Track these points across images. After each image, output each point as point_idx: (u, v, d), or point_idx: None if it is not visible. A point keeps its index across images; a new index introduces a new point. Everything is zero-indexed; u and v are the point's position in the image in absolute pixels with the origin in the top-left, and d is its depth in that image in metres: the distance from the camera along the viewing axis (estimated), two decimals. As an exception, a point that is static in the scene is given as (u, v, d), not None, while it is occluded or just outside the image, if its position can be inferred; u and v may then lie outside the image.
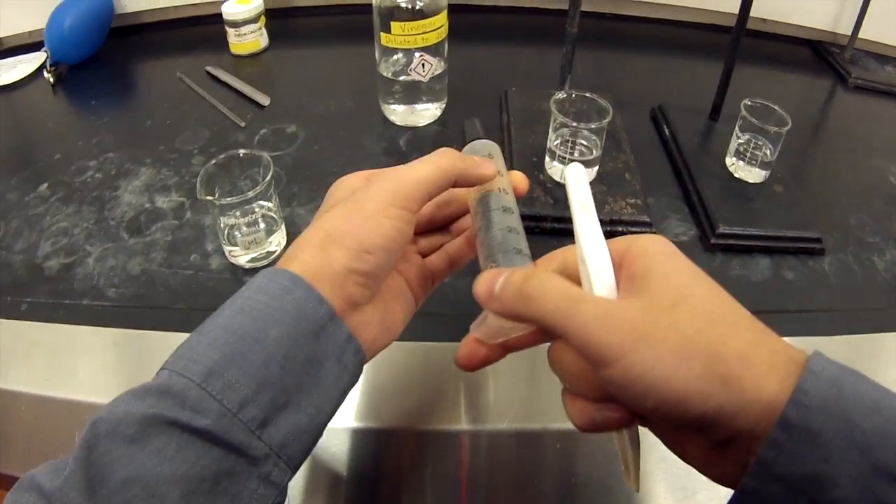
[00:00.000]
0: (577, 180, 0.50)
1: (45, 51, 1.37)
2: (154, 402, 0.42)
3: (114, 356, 0.80)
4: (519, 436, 0.70)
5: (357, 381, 0.50)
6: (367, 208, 0.49)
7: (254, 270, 0.88)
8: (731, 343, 0.38)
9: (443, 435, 0.70)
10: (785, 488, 0.35)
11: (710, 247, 0.86)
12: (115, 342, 0.81)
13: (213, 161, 0.85)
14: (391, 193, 0.49)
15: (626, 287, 0.44)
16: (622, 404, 0.42)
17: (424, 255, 0.60)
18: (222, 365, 0.43)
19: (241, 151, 0.87)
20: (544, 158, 0.96)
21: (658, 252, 0.44)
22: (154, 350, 0.80)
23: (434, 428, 0.70)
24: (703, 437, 0.39)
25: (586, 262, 0.45)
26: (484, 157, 0.56)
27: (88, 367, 0.79)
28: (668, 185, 0.96)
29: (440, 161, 0.52)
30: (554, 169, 0.94)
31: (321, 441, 0.48)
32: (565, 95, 0.93)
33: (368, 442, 0.71)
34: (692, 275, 0.42)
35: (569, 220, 0.73)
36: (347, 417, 0.70)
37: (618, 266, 0.45)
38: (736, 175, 0.94)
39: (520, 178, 0.57)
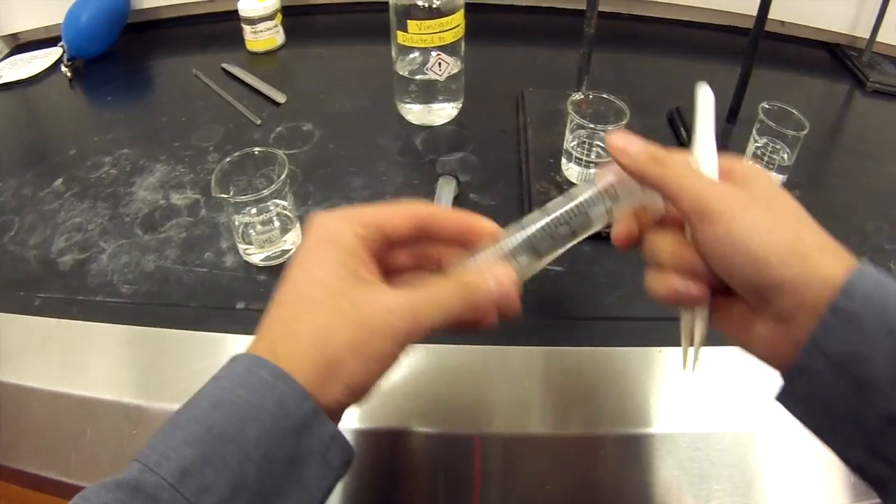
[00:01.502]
0: (707, 100, 0.55)
1: (62, 46, 1.37)
2: (124, 498, 0.40)
3: (127, 353, 0.80)
4: (532, 440, 0.69)
5: (342, 477, 0.47)
6: (374, 346, 0.45)
7: (268, 269, 0.87)
8: (810, 235, 0.46)
9: (456, 438, 0.69)
10: (830, 364, 0.42)
11: None
12: (129, 339, 0.81)
13: (228, 158, 0.84)
14: (403, 335, 0.46)
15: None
16: (707, 274, 0.48)
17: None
18: (197, 465, 0.41)
19: (257, 149, 0.86)
20: (561, 159, 0.95)
21: (756, 170, 0.51)
22: (167, 348, 0.80)
23: (448, 431, 0.70)
24: (773, 308, 0.45)
25: (699, 161, 0.52)
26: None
27: (102, 364, 0.79)
28: None
29: (455, 310, 0.48)
30: (570, 170, 0.93)
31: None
32: (582, 96, 0.93)
33: (381, 443, 0.70)
34: (782, 189, 0.49)
35: None
36: (359, 419, 0.70)
37: (723, 173, 0.52)
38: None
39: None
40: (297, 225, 0.90)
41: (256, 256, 0.88)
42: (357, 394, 0.46)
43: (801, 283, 0.43)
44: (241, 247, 0.88)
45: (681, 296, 0.50)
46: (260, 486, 0.42)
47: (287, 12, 1.36)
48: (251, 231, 0.86)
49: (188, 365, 0.77)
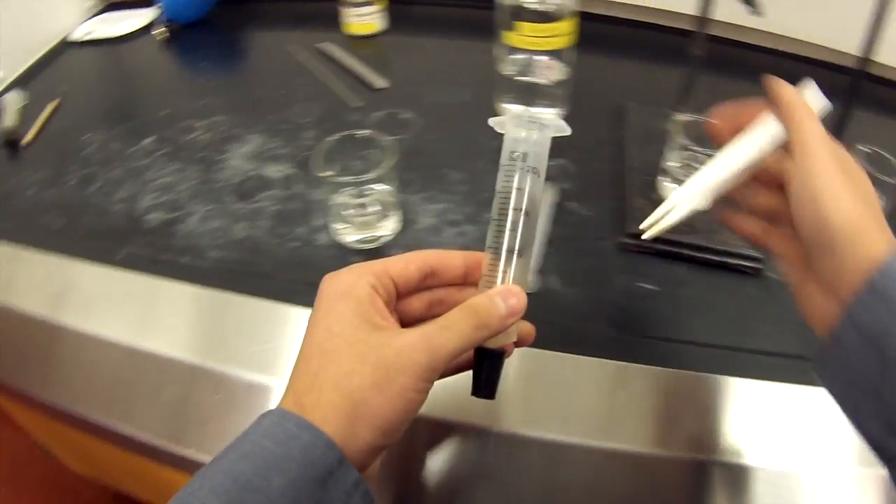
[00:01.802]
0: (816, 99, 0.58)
1: (159, 7, 1.36)
2: None
3: (210, 317, 0.78)
4: (609, 454, 0.67)
5: None
6: (398, 382, 0.46)
7: (361, 251, 0.85)
8: (872, 215, 0.49)
9: (528, 442, 0.68)
10: (862, 338, 0.45)
11: None
12: (214, 303, 0.79)
13: (335, 137, 0.82)
14: (423, 368, 0.47)
15: None
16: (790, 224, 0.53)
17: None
18: None
19: (362, 132, 0.84)
20: (656, 178, 0.93)
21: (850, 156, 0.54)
22: (251, 317, 0.78)
23: (521, 433, 0.68)
24: (820, 268, 0.50)
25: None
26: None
27: (183, 325, 0.77)
28: None
29: (469, 333, 0.49)
30: (668, 190, 0.90)
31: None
32: (688, 118, 0.90)
33: (454, 438, 0.69)
34: (867, 177, 0.54)
35: (678, 243, 0.83)
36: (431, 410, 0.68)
37: None
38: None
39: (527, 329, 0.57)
40: (399, 212, 0.88)
41: (350, 237, 0.85)
42: (388, 433, 0.47)
43: (848, 251, 0.47)
44: (337, 226, 0.86)
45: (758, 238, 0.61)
46: None
47: (391, -1, 1.35)
48: (347, 212, 0.84)
49: (275, 337, 0.75)
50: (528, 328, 0.56)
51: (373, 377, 0.46)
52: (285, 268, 0.84)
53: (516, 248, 0.53)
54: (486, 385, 0.53)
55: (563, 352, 0.73)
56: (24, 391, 0.81)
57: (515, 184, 0.53)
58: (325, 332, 0.49)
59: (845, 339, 0.47)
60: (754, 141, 0.59)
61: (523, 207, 0.53)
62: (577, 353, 0.72)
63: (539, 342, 0.71)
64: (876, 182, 0.83)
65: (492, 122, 0.56)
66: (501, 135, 0.55)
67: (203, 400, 0.73)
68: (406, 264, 0.54)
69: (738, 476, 0.65)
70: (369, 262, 0.53)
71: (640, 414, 0.68)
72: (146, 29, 1.39)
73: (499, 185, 0.54)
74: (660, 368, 0.71)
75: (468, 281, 0.56)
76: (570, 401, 0.69)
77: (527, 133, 0.53)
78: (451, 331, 0.48)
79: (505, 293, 0.51)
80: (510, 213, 0.53)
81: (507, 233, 0.53)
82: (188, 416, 0.73)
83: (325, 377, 0.47)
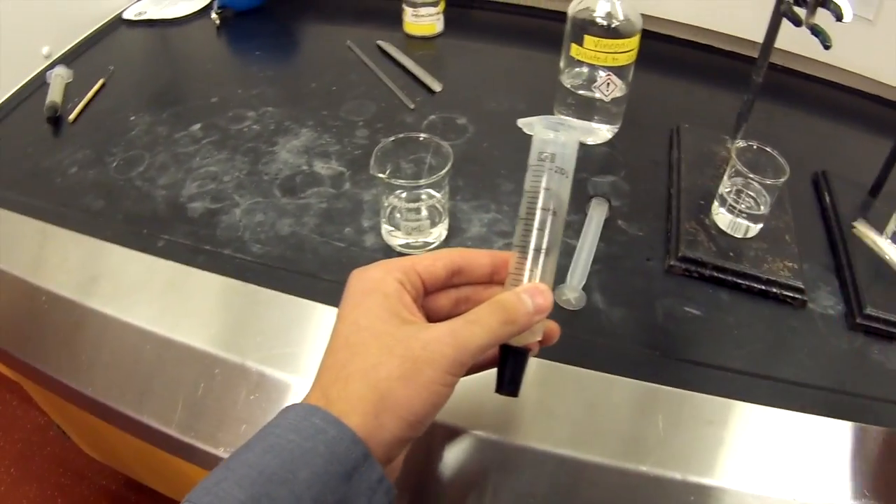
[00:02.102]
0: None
1: (215, -8, 1.35)
2: None
3: (252, 314, 0.76)
4: (655, 481, 0.65)
5: None
6: (425, 374, 0.47)
7: (406, 255, 0.83)
8: None
9: (563, 460, 0.66)
10: None
11: (855, 326, 0.80)
12: (257, 300, 0.77)
13: (392, 138, 0.80)
14: (450, 361, 0.48)
15: None
16: None
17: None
18: None
19: (421, 135, 0.82)
20: (711, 203, 0.91)
21: None
22: (294, 315, 0.76)
23: (554, 451, 0.66)
24: None
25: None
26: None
27: (223, 320, 0.76)
28: (822, 254, 0.90)
29: (496, 328, 0.50)
30: (720, 216, 0.88)
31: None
32: (745, 144, 0.88)
33: (483, 451, 0.67)
34: None
35: (725, 269, 0.83)
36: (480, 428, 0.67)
37: None
38: (885, 258, 0.87)
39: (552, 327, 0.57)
40: (446, 220, 0.86)
41: (399, 241, 0.83)
42: (413, 425, 0.47)
43: None
44: (386, 228, 0.84)
45: None
46: None
47: (450, 2, 1.32)
48: (398, 215, 0.82)
49: (315, 339, 0.73)
50: (552, 327, 0.57)
51: (400, 369, 0.47)
52: (329, 268, 0.82)
53: (544, 247, 0.53)
54: (510, 383, 0.54)
55: (607, 372, 0.72)
56: (45, 371, 0.79)
57: (543, 184, 0.54)
58: (353, 326, 0.50)
59: None
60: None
61: (551, 207, 0.54)
62: (616, 374, 0.72)
63: (583, 360, 0.72)
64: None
65: (520, 122, 0.57)
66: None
67: (244, 401, 0.71)
68: (433, 261, 0.54)
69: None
70: (397, 258, 0.54)
71: (686, 440, 0.67)
72: (200, 13, 1.38)
73: (527, 185, 0.55)
74: (704, 395, 0.71)
75: (495, 280, 0.57)
76: (603, 420, 0.68)
77: (555, 135, 0.54)
78: (478, 325, 0.49)
79: (532, 291, 0.52)
80: (538, 212, 0.54)
81: (535, 231, 0.53)
82: (235, 416, 0.70)
83: (352, 369, 0.48)
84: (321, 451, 0.44)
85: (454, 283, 0.57)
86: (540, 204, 0.54)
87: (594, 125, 1.04)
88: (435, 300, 0.56)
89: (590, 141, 1.05)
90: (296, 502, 0.42)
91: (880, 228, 0.90)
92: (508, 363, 0.53)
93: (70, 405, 0.87)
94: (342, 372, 0.48)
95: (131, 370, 0.75)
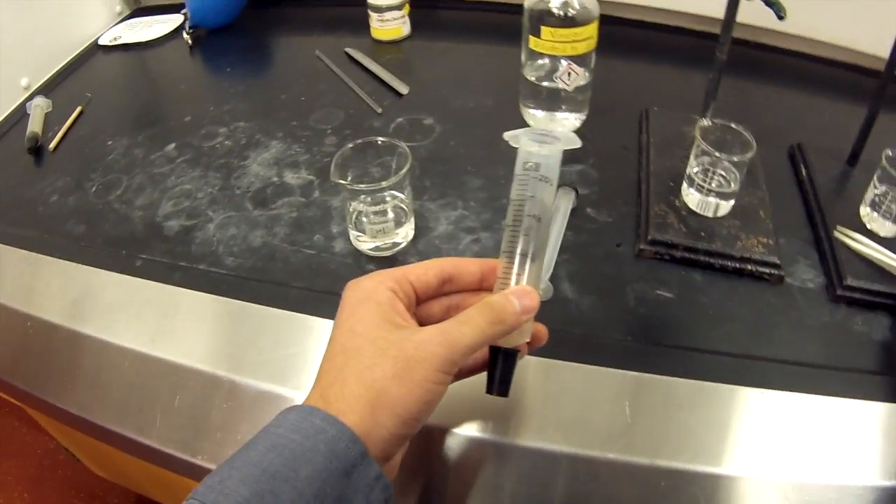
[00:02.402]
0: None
1: (185, 13, 1.37)
2: None
3: (225, 326, 0.78)
4: (623, 467, 0.65)
5: None
6: (417, 373, 0.49)
7: (377, 259, 0.85)
8: None
9: (541, 454, 0.66)
10: None
11: (836, 298, 0.80)
12: (230, 311, 0.79)
13: (351, 144, 0.82)
14: (441, 360, 0.50)
15: None
16: None
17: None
18: (252, 502, 0.43)
19: (380, 139, 0.83)
20: (681, 184, 0.91)
21: None
22: (267, 325, 0.77)
23: (534, 445, 0.66)
24: None
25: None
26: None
27: (198, 334, 0.77)
28: (799, 228, 0.89)
29: (485, 327, 0.52)
30: (690, 196, 0.89)
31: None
32: (710, 123, 0.88)
33: (472, 449, 0.68)
34: None
35: (696, 250, 0.82)
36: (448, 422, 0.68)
37: None
38: (868, 226, 0.86)
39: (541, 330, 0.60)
40: (412, 219, 0.87)
41: (367, 245, 0.85)
42: (408, 422, 0.49)
43: None
44: (353, 234, 0.85)
45: None
46: None
47: (415, 4, 1.33)
48: (364, 219, 0.83)
49: (288, 346, 0.75)
50: (541, 329, 0.59)
51: (393, 368, 0.49)
52: (300, 276, 0.83)
53: (530, 252, 0.56)
54: (500, 383, 0.56)
55: (579, 362, 0.72)
56: (43, 398, 0.81)
57: (529, 192, 0.56)
58: (349, 333, 0.52)
59: None
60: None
61: (536, 214, 0.56)
62: (594, 364, 0.72)
63: (554, 352, 0.71)
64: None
65: (506, 136, 0.58)
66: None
67: (217, 409, 0.72)
68: (425, 270, 0.57)
69: (754, 488, 0.63)
70: (390, 269, 0.56)
71: (656, 425, 0.67)
72: (173, 34, 1.40)
73: (513, 194, 0.57)
74: (677, 379, 0.70)
75: (484, 286, 0.59)
76: (585, 412, 0.68)
77: (539, 147, 0.56)
78: (468, 325, 0.51)
79: (519, 292, 0.54)
80: (524, 219, 0.56)
81: (522, 237, 0.56)
82: (203, 425, 0.72)
83: (348, 371, 0.50)
84: (321, 449, 0.46)
85: (445, 291, 0.59)
86: (526, 211, 0.56)
87: (559, 115, 1.05)
88: (427, 308, 0.59)
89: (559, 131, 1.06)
90: (297, 498, 0.43)
91: (859, 196, 0.90)
92: (498, 364, 0.55)
93: (69, 428, 0.89)
94: (339, 375, 0.50)
95: (113, 387, 0.77)
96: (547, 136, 0.57)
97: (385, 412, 0.48)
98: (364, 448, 0.47)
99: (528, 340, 0.56)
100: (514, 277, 0.55)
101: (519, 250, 0.56)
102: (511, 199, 0.57)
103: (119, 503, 1.80)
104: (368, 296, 0.54)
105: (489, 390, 0.56)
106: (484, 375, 0.57)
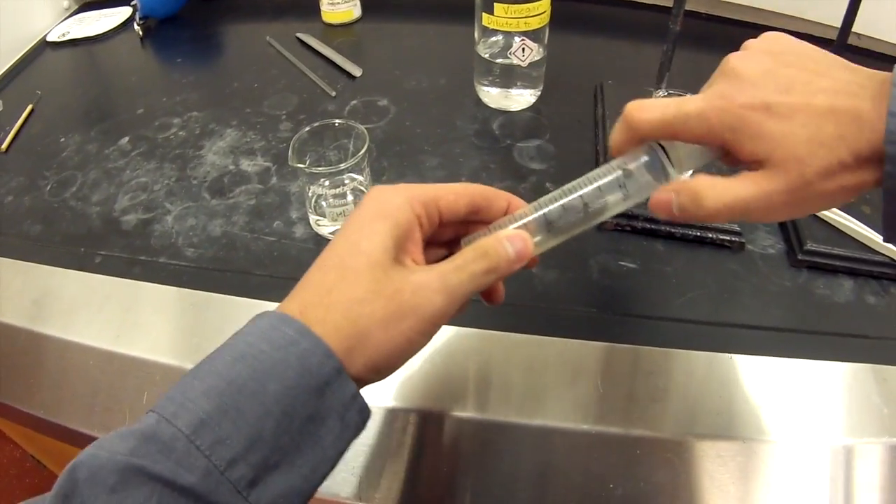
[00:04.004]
0: None
1: (134, 5, 1.36)
2: (138, 447, 0.39)
3: (189, 317, 0.77)
4: (598, 437, 0.66)
5: (358, 437, 0.47)
6: (406, 323, 0.46)
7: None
8: (825, 117, 0.44)
9: (506, 427, 0.67)
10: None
11: (797, 262, 0.81)
12: (193, 303, 0.78)
13: (307, 128, 0.81)
14: (436, 310, 0.47)
15: None
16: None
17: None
18: (214, 418, 0.40)
19: (336, 121, 0.83)
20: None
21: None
22: (230, 315, 0.77)
23: (498, 419, 0.67)
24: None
25: None
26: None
27: (161, 327, 0.76)
28: None
29: (480, 277, 0.48)
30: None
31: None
32: (665, 94, 0.89)
33: (426, 425, 0.68)
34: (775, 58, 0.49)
35: (656, 220, 0.82)
36: (400, 399, 0.68)
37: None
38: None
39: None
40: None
41: (327, 229, 0.85)
42: (380, 371, 0.47)
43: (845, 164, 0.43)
44: (313, 218, 0.85)
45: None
46: (276, 441, 0.41)
47: (365, -15, 1.33)
48: (323, 203, 0.83)
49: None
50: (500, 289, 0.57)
51: (384, 311, 0.45)
52: (261, 263, 0.83)
53: (556, 224, 0.52)
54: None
55: (547, 335, 0.72)
56: (7, 402, 0.80)
57: (602, 182, 0.52)
58: (352, 247, 0.48)
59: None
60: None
61: (589, 204, 0.52)
62: (561, 336, 0.72)
63: (521, 326, 0.72)
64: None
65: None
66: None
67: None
68: (456, 198, 0.52)
69: (727, 451, 0.64)
70: (421, 186, 0.51)
71: (627, 394, 0.68)
72: (124, 26, 1.38)
73: (592, 173, 0.53)
74: (645, 347, 0.71)
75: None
76: (556, 385, 0.69)
77: (647, 162, 0.52)
78: (465, 272, 0.48)
79: (513, 237, 0.50)
80: (576, 197, 0.52)
81: (559, 207, 0.52)
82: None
83: (336, 296, 0.46)
84: (292, 362, 0.43)
85: (467, 220, 0.55)
86: (584, 192, 0.52)
87: (513, 91, 1.05)
88: (441, 231, 0.55)
89: (514, 107, 1.07)
90: (264, 415, 0.41)
91: None
92: None
93: (35, 433, 0.88)
94: (325, 296, 0.46)
95: (77, 387, 0.76)
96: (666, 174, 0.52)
97: (360, 355, 0.45)
98: (339, 365, 0.44)
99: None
100: (519, 223, 0.52)
101: (547, 212, 0.52)
102: (585, 175, 0.53)
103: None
104: (390, 213, 0.49)
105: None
106: None
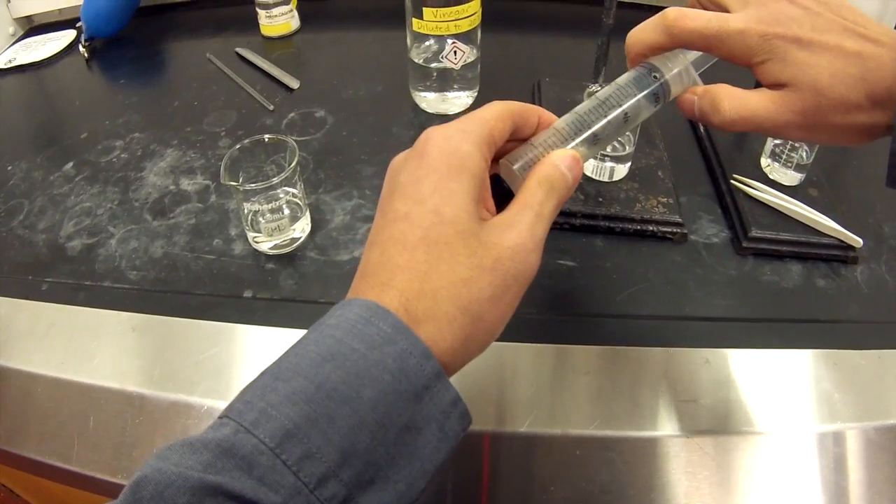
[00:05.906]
0: None
1: (79, 26, 1.36)
2: (213, 461, 0.35)
3: (132, 341, 0.79)
4: (541, 440, 0.67)
5: (457, 447, 0.42)
6: (512, 291, 0.42)
7: (276, 257, 0.86)
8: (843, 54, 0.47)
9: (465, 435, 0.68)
10: None
11: (742, 250, 0.82)
12: (134, 326, 0.80)
13: (238, 145, 0.83)
14: (533, 271, 0.43)
15: None
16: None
17: None
18: (303, 428, 0.36)
19: (267, 136, 0.85)
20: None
21: None
22: (173, 336, 0.78)
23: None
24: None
25: None
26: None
27: (106, 352, 0.78)
28: (701, 184, 0.92)
29: (552, 214, 0.46)
30: (585, 163, 0.91)
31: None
32: (600, 88, 0.91)
33: None
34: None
35: (594, 216, 0.82)
36: None
37: None
38: (770, 177, 0.89)
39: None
40: (307, 213, 0.88)
41: (265, 245, 0.86)
42: (484, 349, 0.44)
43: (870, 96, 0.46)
44: (250, 235, 0.87)
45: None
46: (371, 455, 0.37)
47: (304, -3, 1.34)
48: (260, 219, 0.84)
49: (193, 354, 0.76)
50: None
51: (491, 286, 0.41)
52: (201, 282, 0.85)
53: (601, 134, 0.51)
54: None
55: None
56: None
57: (642, 95, 0.52)
58: (433, 216, 0.42)
59: None
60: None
61: (630, 114, 0.52)
62: (498, 340, 0.73)
63: None
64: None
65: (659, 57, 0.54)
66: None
67: (130, 425, 0.73)
68: (504, 125, 0.47)
69: (671, 447, 0.66)
70: (476, 121, 0.46)
71: (565, 395, 0.69)
72: (69, 49, 1.39)
73: (624, 81, 0.52)
74: (583, 346, 0.72)
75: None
76: (493, 389, 0.70)
77: (681, 68, 0.54)
78: (544, 219, 0.44)
79: (570, 163, 0.46)
80: (619, 112, 0.51)
81: (606, 123, 0.51)
82: (118, 443, 0.73)
83: (439, 281, 0.41)
84: (389, 365, 0.38)
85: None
86: (625, 103, 0.51)
87: (450, 94, 1.07)
88: None
89: (452, 111, 1.08)
90: (358, 425, 0.36)
91: (759, 149, 0.92)
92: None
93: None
94: (426, 283, 0.40)
95: (28, 415, 0.77)
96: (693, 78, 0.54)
97: (476, 341, 0.41)
98: (438, 367, 0.39)
99: None
100: (567, 142, 0.49)
101: (595, 128, 0.50)
102: (617, 82, 0.52)
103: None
104: (463, 163, 0.43)
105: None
106: None
